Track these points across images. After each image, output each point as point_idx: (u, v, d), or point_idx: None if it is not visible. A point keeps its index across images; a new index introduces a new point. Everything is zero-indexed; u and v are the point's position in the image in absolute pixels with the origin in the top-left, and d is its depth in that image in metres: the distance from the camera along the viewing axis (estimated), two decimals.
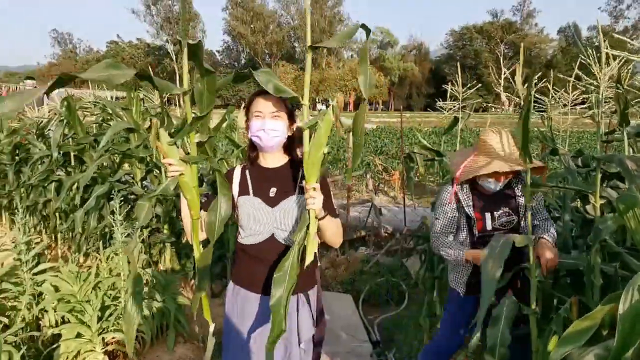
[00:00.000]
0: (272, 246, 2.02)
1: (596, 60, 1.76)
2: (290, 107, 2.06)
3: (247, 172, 2.12)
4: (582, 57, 1.81)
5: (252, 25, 71.82)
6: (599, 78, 1.76)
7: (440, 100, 3.93)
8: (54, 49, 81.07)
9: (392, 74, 73.16)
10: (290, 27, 75.88)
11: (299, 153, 2.10)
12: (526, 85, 1.78)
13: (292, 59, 75.54)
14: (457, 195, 2.45)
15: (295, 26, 74.82)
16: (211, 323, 1.92)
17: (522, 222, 2.42)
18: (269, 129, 1.98)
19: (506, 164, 2.23)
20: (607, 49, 1.72)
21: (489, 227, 2.39)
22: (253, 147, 2.11)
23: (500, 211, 2.40)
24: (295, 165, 2.09)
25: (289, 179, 2.06)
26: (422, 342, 3.46)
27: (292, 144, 2.09)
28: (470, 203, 2.43)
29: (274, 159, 2.09)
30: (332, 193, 2.10)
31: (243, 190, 2.08)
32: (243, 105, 4.50)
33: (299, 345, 2.05)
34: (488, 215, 2.39)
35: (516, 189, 2.44)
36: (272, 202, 2.03)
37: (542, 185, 2.12)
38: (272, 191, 2.04)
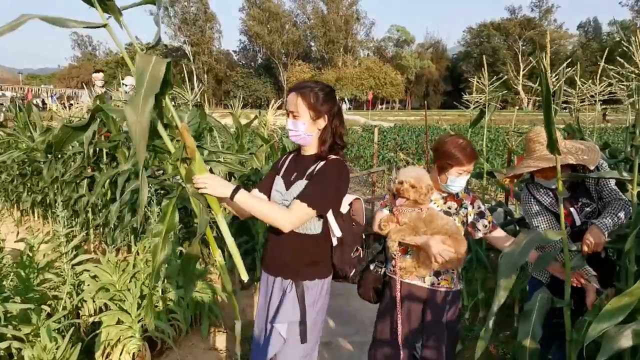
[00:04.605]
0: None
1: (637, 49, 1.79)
2: (318, 103, 2.07)
3: (290, 156, 2.29)
4: (624, 44, 1.84)
5: (268, 25, 72.04)
6: None
7: (465, 94, 3.96)
8: (74, 52, 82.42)
9: (408, 72, 72.75)
10: (307, 27, 75.91)
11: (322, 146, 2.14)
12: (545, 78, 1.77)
13: (309, 58, 75.61)
14: (535, 198, 2.48)
15: (311, 25, 74.82)
16: (238, 319, 1.98)
17: (601, 209, 2.37)
18: (287, 128, 2.12)
19: (534, 163, 2.29)
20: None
21: (577, 221, 2.37)
22: None
23: (580, 202, 2.38)
24: (319, 156, 2.13)
25: (309, 167, 2.13)
26: None
27: (321, 136, 2.12)
28: (551, 199, 2.44)
29: (309, 149, 2.18)
30: (332, 186, 2.07)
31: (279, 171, 2.26)
32: (272, 103, 4.62)
33: (272, 322, 2.12)
34: (573, 210, 2.37)
35: (586, 181, 2.42)
36: (288, 185, 2.15)
37: (575, 176, 2.14)
38: (294, 176, 2.16)
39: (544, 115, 1.59)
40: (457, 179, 2.41)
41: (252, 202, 1.98)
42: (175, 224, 1.89)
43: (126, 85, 7.69)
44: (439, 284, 2.44)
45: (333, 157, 2.11)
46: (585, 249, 2.12)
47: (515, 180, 2.54)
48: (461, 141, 2.42)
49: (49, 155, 5.47)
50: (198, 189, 1.86)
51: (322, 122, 2.10)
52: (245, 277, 1.86)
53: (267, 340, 2.13)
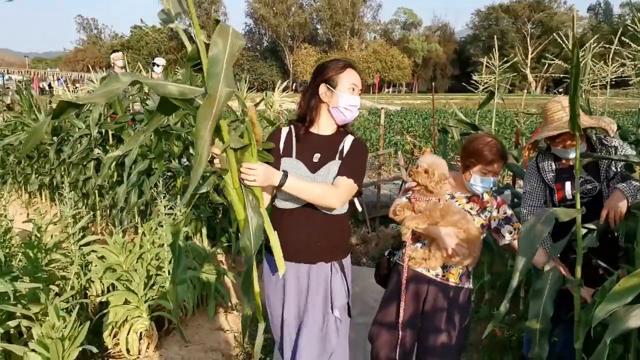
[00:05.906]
0: (309, 212, 2.00)
1: None
2: None
3: (293, 134, 2.11)
4: (630, 25, 1.80)
5: (274, 8, 71.38)
6: None
7: (474, 76, 3.91)
8: (79, 35, 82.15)
9: (416, 55, 72.06)
10: (313, 9, 75.17)
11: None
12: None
13: (315, 41, 75.01)
14: (538, 166, 2.52)
15: (317, 8, 74.07)
16: (262, 321, 1.77)
17: (604, 189, 2.38)
18: (357, 106, 2.06)
19: (555, 129, 2.27)
20: None
21: (569, 195, 2.39)
22: (311, 111, 2.08)
23: (582, 179, 2.37)
24: (341, 134, 2.09)
25: (335, 146, 2.05)
26: None
27: None
28: (553, 174, 2.46)
29: (327, 127, 2.09)
30: (364, 163, 2.10)
31: (287, 152, 2.07)
32: (277, 85, 4.58)
33: (332, 312, 2.05)
34: (568, 184, 2.39)
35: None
36: (314, 168, 2.02)
37: (592, 155, 2.13)
38: (316, 157, 2.04)
39: (570, 90, 1.58)
40: (481, 179, 2.31)
41: (304, 184, 1.89)
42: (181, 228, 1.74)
43: (158, 66, 7.17)
44: (443, 275, 2.37)
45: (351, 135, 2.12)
46: (605, 213, 2.11)
47: (533, 152, 2.55)
48: (489, 139, 2.32)
49: (54, 137, 5.48)
50: (243, 180, 1.60)
51: None
52: (282, 270, 1.70)
53: (319, 330, 2.04)
